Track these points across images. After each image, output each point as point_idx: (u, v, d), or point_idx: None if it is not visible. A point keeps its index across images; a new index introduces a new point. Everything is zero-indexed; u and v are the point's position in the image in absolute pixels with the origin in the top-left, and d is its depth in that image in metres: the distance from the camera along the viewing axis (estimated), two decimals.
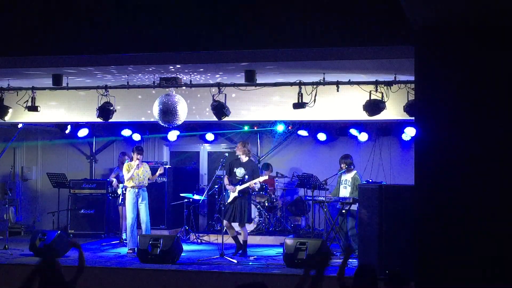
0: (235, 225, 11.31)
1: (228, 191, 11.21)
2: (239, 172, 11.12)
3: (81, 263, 6.45)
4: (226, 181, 11.32)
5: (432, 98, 6.24)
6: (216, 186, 13.54)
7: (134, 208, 11.46)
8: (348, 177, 11.50)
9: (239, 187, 11.01)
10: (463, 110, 6.11)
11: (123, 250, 11.68)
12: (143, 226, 11.47)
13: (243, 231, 11.16)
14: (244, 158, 11.19)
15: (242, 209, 11.00)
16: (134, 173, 11.46)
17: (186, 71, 9.86)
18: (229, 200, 11.11)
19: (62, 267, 6.22)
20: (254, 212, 13.26)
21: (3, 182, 15.15)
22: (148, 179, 11.74)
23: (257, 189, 11.61)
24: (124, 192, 12.24)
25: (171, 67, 9.50)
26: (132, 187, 11.50)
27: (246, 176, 11.04)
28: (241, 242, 11.14)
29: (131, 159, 11.80)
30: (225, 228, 11.36)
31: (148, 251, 10.38)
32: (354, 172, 11.52)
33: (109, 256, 11.28)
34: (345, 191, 11.49)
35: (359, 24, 7.08)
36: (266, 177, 11.74)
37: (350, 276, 5.96)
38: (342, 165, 11.57)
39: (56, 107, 11.88)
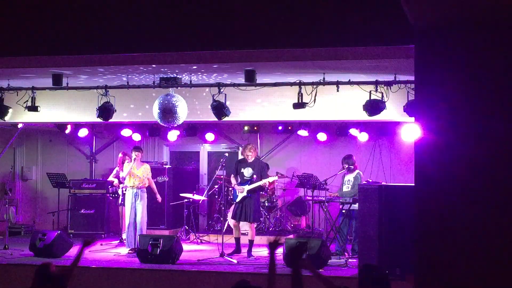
0: (243, 226, 11.41)
1: (236, 191, 11.26)
2: (247, 172, 11.16)
3: (75, 263, 6.37)
4: (233, 181, 11.38)
5: (432, 98, 6.23)
6: (216, 186, 13.56)
7: (132, 208, 11.47)
8: (350, 177, 11.51)
9: (248, 187, 11.05)
10: (463, 110, 6.11)
11: (123, 250, 11.68)
12: (138, 226, 11.43)
13: (251, 229, 11.22)
14: (251, 158, 11.23)
15: (251, 208, 11.05)
16: (134, 172, 11.47)
17: (177, 70, 9.85)
18: (238, 199, 11.14)
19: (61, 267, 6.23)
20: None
21: (3, 182, 15.14)
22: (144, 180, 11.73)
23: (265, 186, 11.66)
24: (124, 192, 12.25)
25: (168, 68, 9.51)
26: (132, 187, 11.52)
27: (254, 176, 11.09)
28: (248, 241, 11.22)
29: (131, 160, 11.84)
30: (225, 227, 11.40)
31: (148, 251, 10.38)
32: (356, 171, 11.53)
33: (109, 256, 11.28)
34: (347, 190, 11.51)
35: (359, 24, 7.08)
36: (276, 178, 11.79)
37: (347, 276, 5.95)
38: (344, 165, 11.55)
39: (56, 107, 11.89)
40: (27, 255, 11.16)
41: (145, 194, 11.64)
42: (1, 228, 13.64)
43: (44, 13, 7.79)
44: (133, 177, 11.52)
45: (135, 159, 11.58)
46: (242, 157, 11.44)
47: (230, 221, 11.68)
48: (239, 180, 11.29)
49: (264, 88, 10.42)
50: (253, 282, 5.27)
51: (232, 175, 11.44)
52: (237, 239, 11.21)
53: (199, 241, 12.86)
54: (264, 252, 11.63)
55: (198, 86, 10.66)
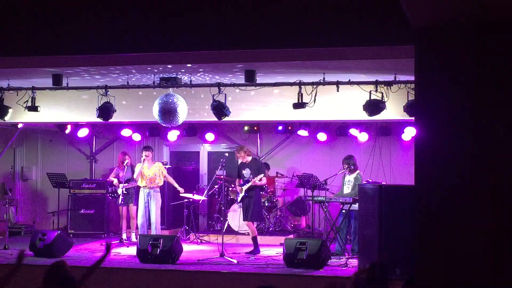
0: (243, 226, 11.59)
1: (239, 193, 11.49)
2: (246, 173, 11.39)
3: (98, 264, 6.36)
4: (237, 183, 11.67)
5: (432, 98, 6.23)
6: (216, 186, 13.56)
7: (145, 208, 11.50)
8: (351, 177, 11.50)
9: (244, 187, 11.28)
10: (463, 110, 6.10)
11: (123, 250, 11.68)
12: (152, 227, 11.54)
13: (250, 227, 11.32)
14: (244, 160, 11.36)
15: (249, 207, 11.24)
16: (144, 172, 11.49)
17: (183, 70, 9.86)
18: (239, 200, 11.49)
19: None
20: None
21: (3, 182, 15.14)
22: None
23: (259, 184, 11.70)
24: (124, 192, 12.26)
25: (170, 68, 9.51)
26: (144, 187, 11.56)
27: (251, 176, 11.25)
28: (252, 239, 11.35)
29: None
30: (225, 227, 11.51)
31: (148, 251, 10.38)
32: (356, 172, 11.53)
33: (109, 256, 11.26)
34: (348, 191, 11.51)
35: (359, 24, 7.08)
36: (262, 175, 11.87)
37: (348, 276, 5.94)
38: (344, 166, 11.54)
39: (56, 107, 11.89)
40: (27, 255, 11.09)
41: (158, 194, 11.69)
42: (1, 228, 13.64)
43: (44, 13, 7.78)
44: (144, 177, 11.55)
45: (144, 159, 11.62)
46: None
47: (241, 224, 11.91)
48: (241, 181, 11.44)
49: (264, 88, 10.42)
50: (254, 282, 5.28)
51: (237, 178, 11.65)
52: (253, 238, 11.35)
53: (199, 241, 12.86)
54: (264, 252, 11.62)
55: (198, 86, 10.66)
